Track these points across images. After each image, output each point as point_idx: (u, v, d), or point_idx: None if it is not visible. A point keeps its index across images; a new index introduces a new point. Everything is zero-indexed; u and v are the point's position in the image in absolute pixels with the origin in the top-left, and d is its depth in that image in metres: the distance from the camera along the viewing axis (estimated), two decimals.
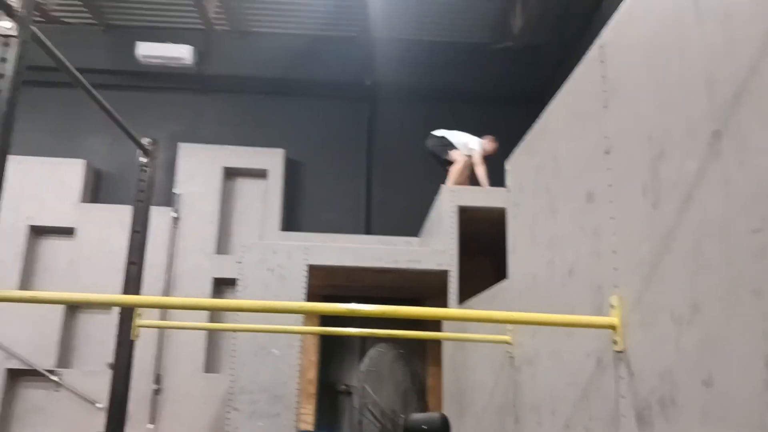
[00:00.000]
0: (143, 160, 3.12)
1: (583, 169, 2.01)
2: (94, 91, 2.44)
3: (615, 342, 1.66)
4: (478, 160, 6.22)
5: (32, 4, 1.78)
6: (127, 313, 2.99)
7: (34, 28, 1.86)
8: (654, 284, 1.50)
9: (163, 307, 6.36)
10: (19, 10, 1.74)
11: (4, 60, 1.74)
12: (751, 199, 1.13)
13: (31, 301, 1.54)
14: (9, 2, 1.71)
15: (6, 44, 1.75)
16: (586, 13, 6.71)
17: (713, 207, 1.25)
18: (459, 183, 6.12)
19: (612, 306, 1.70)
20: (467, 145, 6.37)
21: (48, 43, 1.99)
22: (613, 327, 1.67)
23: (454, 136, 6.48)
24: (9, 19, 1.73)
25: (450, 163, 6.34)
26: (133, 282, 2.96)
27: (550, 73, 7.91)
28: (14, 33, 1.75)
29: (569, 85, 2.19)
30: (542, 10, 7.06)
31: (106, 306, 6.66)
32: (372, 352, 4.12)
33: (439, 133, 6.54)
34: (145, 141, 3.09)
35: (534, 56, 8.25)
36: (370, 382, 3.84)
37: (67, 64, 2.20)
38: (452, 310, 1.94)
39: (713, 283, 1.25)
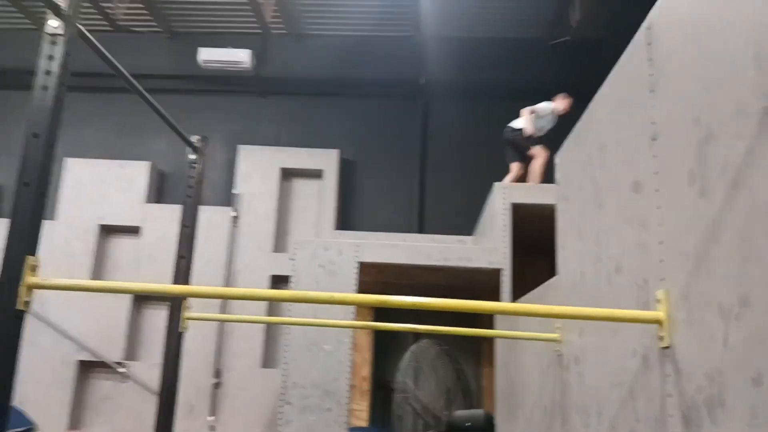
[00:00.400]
0: (192, 157, 3.21)
1: (630, 158, 1.92)
2: (144, 92, 2.53)
3: (661, 338, 1.57)
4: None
5: (78, 3, 1.86)
6: (176, 306, 3.09)
7: (80, 27, 1.94)
8: (701, 276, 1.40)
9: (207, 297, 6.54)
10: (66, 9, 1.82)
11: (51, 58, 1.82)
12: None
13: (74, 288, 1.59)
14: (57, 2, 1.79)
15: (54, 42, 1.84)
16: (647, 3, 6.40)
17: (763, 190, 1.16)
18: (543, 179, 5.91)
19: (658, 300, 1.60)
20: (548, 117, 6.28)
21: (95, 41, 2.07)
22: (658, 321, 1.58)
23: (533, 119, 6.24)
24: (56, 18, 1.82)
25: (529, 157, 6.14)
26: (182, 275, 3.05)
27: (610, 67, 7.61)
28: (61, 32, 1.83)
29: (616, 70, 2.10)
30: (600, 2, 6.82)
31: (158, 294, 6.92)
32: (414, 347, 4.08)
33: (517, 124, 6.29)
34: (194, 139, 3.18)
35: (593, 50, 7.97)
36: (411, 376, 3.81)
37: (116, 63, 2.29)
38: (489, 303, 1.89)
39: (763, 275, 1.15)
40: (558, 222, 2.90)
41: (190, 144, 3.13)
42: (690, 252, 1.46)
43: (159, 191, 8.24)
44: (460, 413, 3.03)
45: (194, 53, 8.06)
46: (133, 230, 7.76)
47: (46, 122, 1.77)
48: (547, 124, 6.30)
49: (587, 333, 2.32)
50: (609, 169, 2.15)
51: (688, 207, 1.48)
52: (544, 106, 6.33)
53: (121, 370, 7.29)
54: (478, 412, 2.98)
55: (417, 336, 6.65)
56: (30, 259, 1.65)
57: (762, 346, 1.14)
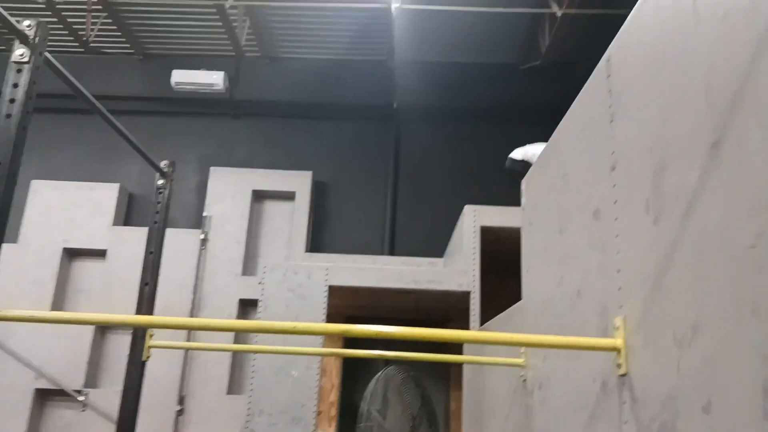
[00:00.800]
0: (160, 182, 3.17)
1: (591, 185, 1.95)
2: (110, 116, 2.50)
3: (619, 365, 1.58)
4: None
5: (46, 32, 1.84)
6: (140, 333, 3.01)
7: (47, 55, 1.92)
8: (656, 304, 1.42)
9: (176, 328, 6.41)
10: (32, 37, 1.80)
11: (16, 86, 1.80)
12: (748, 212, 1.06)
13: (30, 320, 1.55)
14: (23, 31, 1.77)
15: (19, 70, 1.81)
16: (614, 30, 6.61)
17: (713, 216, 1.18)
18: None
19: (616, 327, 1.62)
20: None
21: (61, 68, 2.04)
22: (616, 349, 1.59)
23: (532, 150, 6.06)
24: (23, 46, 1.79)
25: None
26: (146, 302, 2.98)
27: (577, 90, 7.80)
28: (27, 60, 1.81)
29: (578, 100, 2.14)
30: (570, 29, 7.01)
31: (121, 326, 6.76)
32: (380, 375, 4.05)
33: (518, 155, 6.12)
34: (162, 164, 3.14)
35: (562, 74, 8.16)
36: (376, 404, 3.77)
37: (82, 89, 2.26)
38: (451, 332, 1.88)
39: (713, 302, 1.17)
40: (523, 245, 2.93)
41: (157, 169, 3.09)
42: (646, 280, 1.48)
43: (128, 214, 8.11)
44: None
45: (167, 75, 8.02)
46: (99, 254, 7.60)
47: (8, 151, 1.74)
48: None
49: (551, 358, 2.33)
50: (571, 195, 2.18)
51: (644, 235, 1.50)
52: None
53: (80, 398, 7.06)
54: None
55: (387, 360, 6.61)
56: None
57: (712, 374, 1.15)
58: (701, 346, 1.19)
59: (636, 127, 1.62)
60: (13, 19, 1.86)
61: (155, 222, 3.11)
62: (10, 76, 1.83)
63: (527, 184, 2.94)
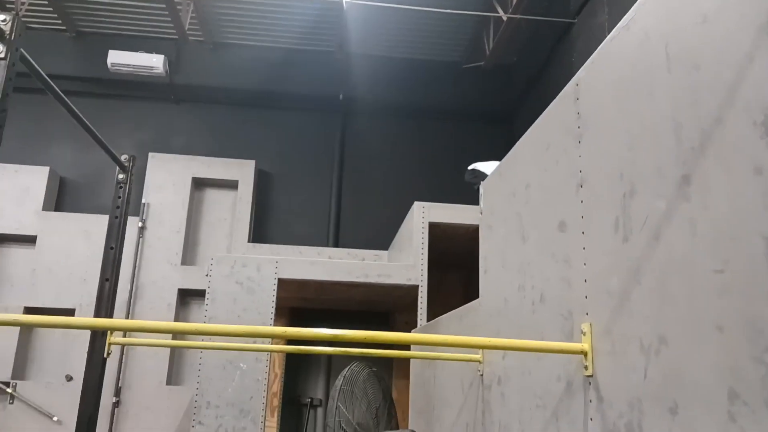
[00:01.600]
0: (121, 176, 3.10)
1: (556, 199, 2.10)
2: (76, 110, 2.43)
3: (585, 367, 1.74)
4: None
5: (22, 27, 1.78)
6: (99, 331, 2.96)
7: (22, 51, 1.86)
8: (623, 314, 1.59)
9: (145, 331, 6.28)
10: (8, 32, 1.74)
11: None
12: (714, 242, 1.22)
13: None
14: (1, 27, 1.71)
15: None
16: (555, 37, 6.94)
17: (680, 246, 1.34)
18: None
19: (583, 333, 1.78)
20: None
21: (36, 65, 1.98)
22: (583, 353, 1.75)
23: (488, 167, 6.07)
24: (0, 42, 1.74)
25: None
26: (107, 299, 2.93)
27: (520, 92, 8.12)
28: (2, 56, 1.75)
29: (544, 117, 2.29)
30: (513, 32, 7.26)
31: (82, 329, 6.53)
32: (346, 372, 4.16)
33: (473, 166, 6.05)
34: (123, 158, 3.08)
35: (504, 76, 8.45)
36: (344, 400, 3.87)
37: (52, 84, 2.20)
38: (422, 336, 1.98)
39: (678, 318, 1.33)
40: (481, 247, 3.08)
41: (118, 162, 3.02)
42: (613, 291, 1.64)
43: (59, 199, 7.75)
44: None
45: (103, 56, 7.70)
46: (28, 240, 7.24)
47: None
48: None
49: (510, 356, 2.50)
50: (534, 206, 2.33)
51: (612, 251, 1.67)
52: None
53: (8, 390, 6.75)
54: (406, 431, 3.09)
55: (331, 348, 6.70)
56: None
57: (677, 380, 1.32)
58: (667, 355, 1.36)
59: (604, 150, 1.78)
60: None
61: (116, 217, 3.04)
62: None
63: (486, 190, 3.10)
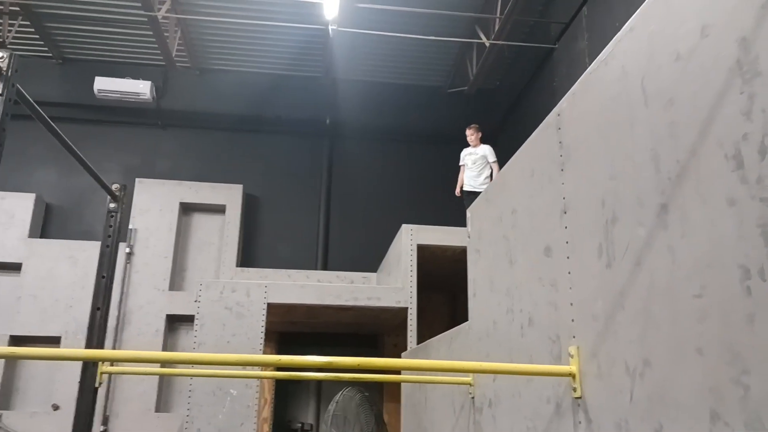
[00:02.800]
0: (112, 205, 3.12)
1: (542, 224, 2.17)
2: (66, 139, 2.46)
3: (574, 389, 1.79)
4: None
5: (18, 64, 1.82)
6: (91, 360, 2.95)
7: (18, 86, 1.90)
8: (609, 337, 1.64)
9: (138, 362, 6.23)
10: (5, 69, 1.78)
11: None
12: (693, 268, 1.29)
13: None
14: None
15: None
16: (537, 62, 7.10)
17: (661, 272, 1.41)
18: None
19: (571, 355, 1.83)
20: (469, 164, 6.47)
21: (33, 102, 2.02)
22: (571, 375, 1.80)
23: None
24: None
25: None
26: (98, 328, 2.93)
27: (502, 116, 8.27)
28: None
29: (528, 145, 2.36)
30: (496, 58, 7.42)
31: (77, 360, 6.46)
32: (338, 397, 4.16)
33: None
34: (114, 187, 3.10)
35: (487, 100, 8.60)
36: (337, 426, 3.87)
37: (46, 117, 2.23)
38: (414, 361, 2.03)
39: (661, 341, 1.39)
40: (470, 271, 3.14)
41: (110, 192, 3.05)
42: (599, 315, 1.70)
43: (44, 225, 7.71)
44: None
45: (89, 82, 7.73)
46: (14, 267, 7.18)
47: None
48: (476, 173, 6.39)
49: (501, 378, 2.54)
50: (521, 230, 2.40)
51: (596, 276, 1.73)
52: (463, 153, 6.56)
53: None
54: None
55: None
56: None
57: (662, 402, 1.37)
58: (652, 377, 1.42)
59: (587, 178, 1.85)
60: None
61: (107, 246, 3.05)
62: None
63: (473, 214, 3.16)
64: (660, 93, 1.47)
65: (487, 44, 6.88)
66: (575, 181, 1.93)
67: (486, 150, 6.44)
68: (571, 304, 1.89)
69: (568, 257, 1.94)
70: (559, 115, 2.10)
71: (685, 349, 1.30)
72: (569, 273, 1.92)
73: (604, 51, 1.79)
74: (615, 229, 1.64)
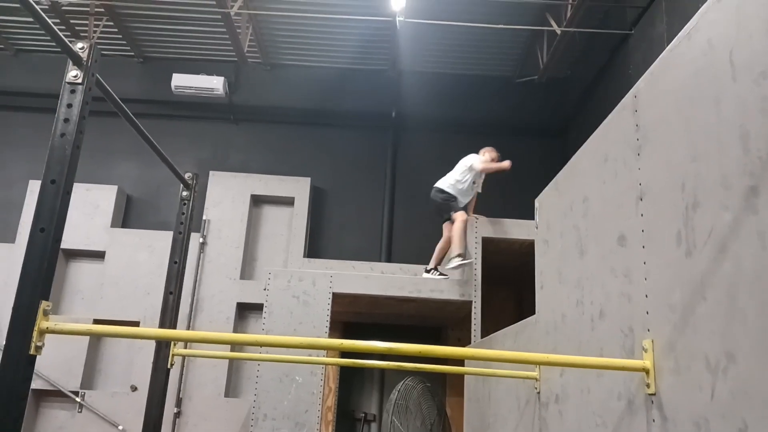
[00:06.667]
0: (185, 193, 3.24)
1: (615, 212, 2.06)
2: (145, 131, 2.57)
3: (647, 385, 1.69)
4: (485, 166, 5.80)
5: (98, 54, 1.91)
6: (164, 342, 3.08)
7: (98, 76, 1.99)
8: (688, 330, 1.54)
9: (206, 342, 6.46)
10: (86, 59, 1.87)
11: (70, 106, 1.87)
12: None
13: (83, 333, 1.62)
14: (78, 53, 1.84)
15: (73, 91, 1.88)
16: (611, 49, 6.81)
17: (749, 260, 1.30)
18: (462, 242, 5.46)
19: (644, 349, 1.73)
20: (469, 170, 5.85)
21: (110, 90, 2.11)
22: (645, 370, 1.70)
23: (451, 181, 5.90)
24: (76, 67, 1.87)
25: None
26: (170, 311, 3.05)
27: (573, 106, 7.99)
28: (80, 81, 1.88)
29: (602, 130, 2.26)
30: (567, 45, 7.17)
31: (155, 339, 6.80)
32: (400, 386, 4.16)
33: (441, 185, 5.94)
34: (186, 176, 3.22)
35: (558, 89, 8.34)
36: (398, 415, 3.87)
37: (123, 106, 2.33)
38: (476, 350, 1.97)
39: (748, 333, 1.28)
40: (537, 263, 3.04)
41: (183, 180, 3.16)
42: (676, 306, 1.59)
43: (125, 216, 8.12)
44: None
45: (167, 79, 8.06)
46: (98, 255, 7.61)
47: (62, 170, 1.81)
48: (468, 190, 5.88)
49: (568, 373, 2.44)
50: (592, 219, 2.29)
51: (674, 265, 1.62)
52: (472, 160, 5.94)
53: (77, 399, 7.06)
54: None
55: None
56: (44, 304, 1.66)
57: (747, 399, 1.26)
58: (736, 374, 1.31)
59: (666, 162, 1.74)
60: (67, 41, 1.93)
61: (180, 232, 3.17)
62: (64, 96, 1.90)
63: (541, 204, 3.06)
64: (750, 65, 1.36)
65: (559, 32, 6.66)
66: (653, 166, 1.82)
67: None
68: (646, 296, 1.78)
69: (643, 246, 1.83)
70: (635, 96, 1.98)
71: None
72: (644, 263, 1.81)
73: (687, 25, 1.67)
74: (696, 215, 1.53)
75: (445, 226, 5.80)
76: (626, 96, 2.04)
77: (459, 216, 5.59)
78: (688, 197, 1.57)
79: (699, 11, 1.61)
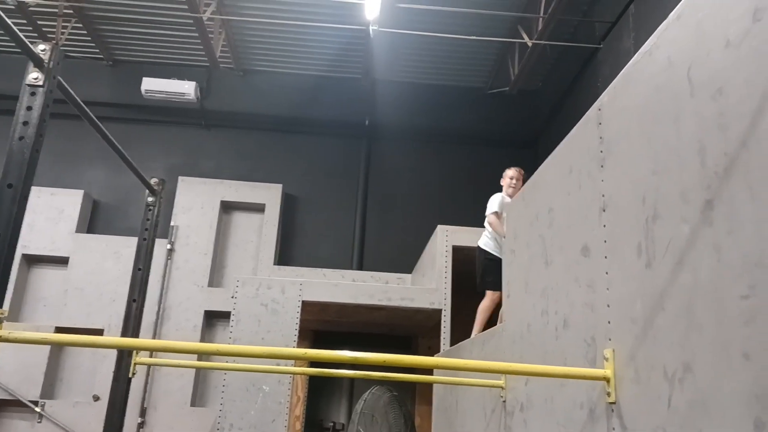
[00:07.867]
0: (150, 199, 3.18)
1: (579, 223, 2.09)
2: (108, 134, 2.52)
3: (608, 394, 1.71)
4: (490, 220, 4.70)
5: (60, 56, 1.87)
6: (126, 351, 3.01)
7: (60, 78, 1.95)
8: (647, 341, 1.56)
9: (169, 351, 6.32)
10: (47, 61, 1.83)
11: (30, 108, 1.82)
12: (740, 267, 1.20)
13: (40, 342, 1.57)
14: (38, 54, 1.80)
15: (33, 93, 1.84)
16: (580, 62, 6.94)
17: (705, 271, 1.32)
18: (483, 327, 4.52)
19: (606, 359, 1.75)
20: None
21: (72, 92, 2.07)
22: (606, 379, 1.72)
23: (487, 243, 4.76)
24: (37, 70, 1.82)
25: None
26: (133, 319, 2.98)
27: (545, 117, 8.11)
28: (41, 83, 1.83)
29: (567, 142, 2.29)
30: (538, 58, 7.29)
31: (112, 348, 6.63)
32: (367, 395, 4.13)
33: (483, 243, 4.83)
34: (152, 181, 3.16)
35: (528, 101, 8.46)
36: (364, 424, 3.84)
37: (87, 110, 2.28)
38: (442, 360, 1.97)
39: (704, 345, 1.31)
40: (504, 273, 3.06)
41: (148, 186, 3.10)
42: (637, 317, 1.62)
43: (91, 221, 7.94)
44: None
45: (137, 83, 7.93)
46: (61, 261, 7.42)
47: (21, 173, 1.76)
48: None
49: (533, 381, 2.46)
50: (557, 230, 2.32)
51: (635, 276, 1.65)
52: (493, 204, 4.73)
53: (36, 409, 6.85)
54: None
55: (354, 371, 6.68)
56: None
57: (704, 409, 1.29)
58: (693, 383, 1.33)
59: (628, 175, 1.77)
60: (28, 42, 1.88)
61: (144, 239, 3.11)
62: (24, 99, 1.85)
63: (508, 214, 3.09)
64: (708, 82, 1.39)
65: (530, 44, 6.76)
66: (615, 178, 1.85)
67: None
68: (608, 306, 1.81)
69: (606, 257, 1.86)
70: (599, 109, 2.02)
71: (731, 354, 1.21)
72: (607, 273, 1.84)
73: (648, 41, 1.71)
74: (656, 227, 1.56)
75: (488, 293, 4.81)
76: (590, 109, 2.07)
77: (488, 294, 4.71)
78: (649, 209, 1.60)
79: (659, 28, 1.65)
